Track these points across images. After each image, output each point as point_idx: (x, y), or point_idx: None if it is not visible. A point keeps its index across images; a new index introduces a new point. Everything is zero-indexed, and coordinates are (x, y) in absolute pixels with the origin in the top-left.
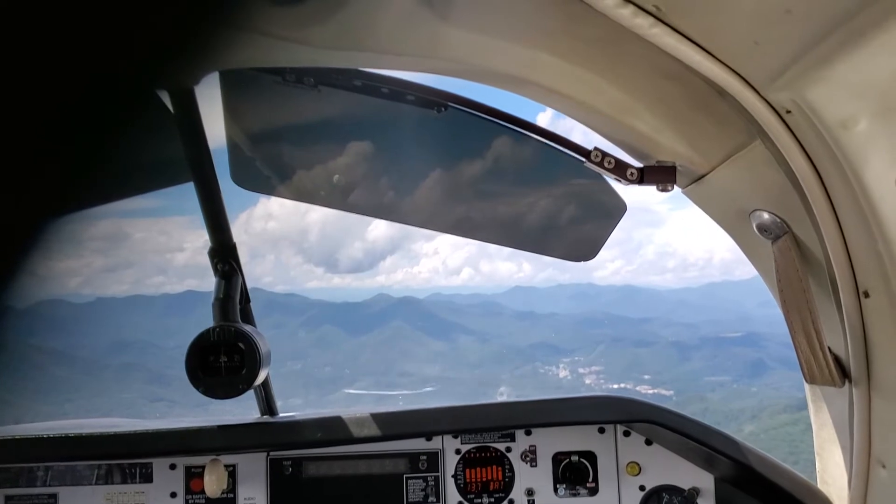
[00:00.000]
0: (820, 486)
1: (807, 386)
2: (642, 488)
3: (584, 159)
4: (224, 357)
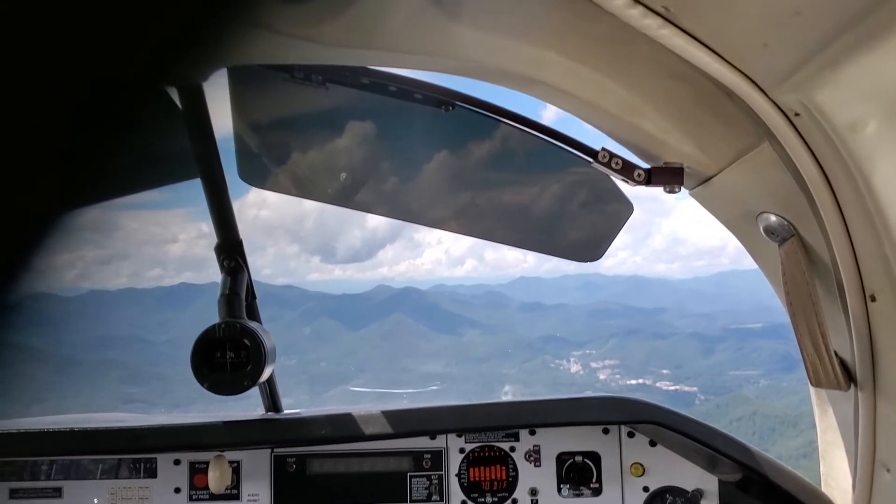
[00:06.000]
0: (824, 488)
1: (812, 389)
2: (646, 489)
3: (591, 160)
4: (230, 353)
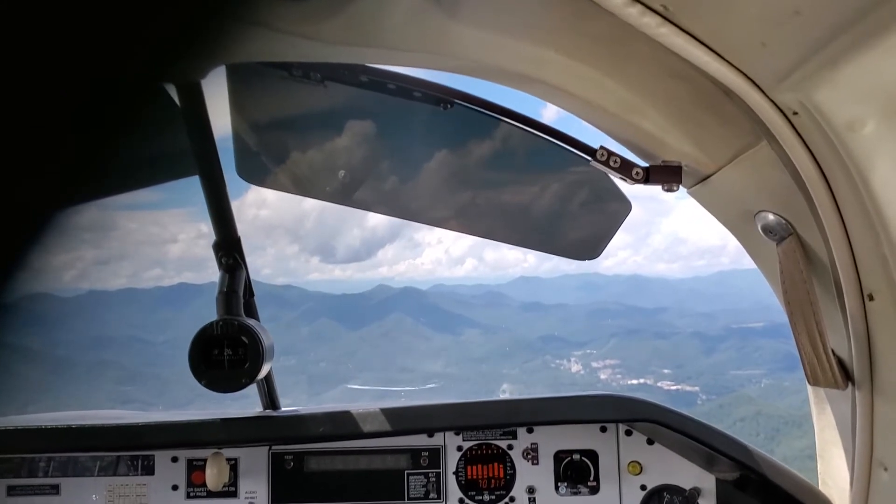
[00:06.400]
0: (821, 487)
1: (810, 388)
2: (643, 488)
3: (589, 158)
4: (228, 350)
